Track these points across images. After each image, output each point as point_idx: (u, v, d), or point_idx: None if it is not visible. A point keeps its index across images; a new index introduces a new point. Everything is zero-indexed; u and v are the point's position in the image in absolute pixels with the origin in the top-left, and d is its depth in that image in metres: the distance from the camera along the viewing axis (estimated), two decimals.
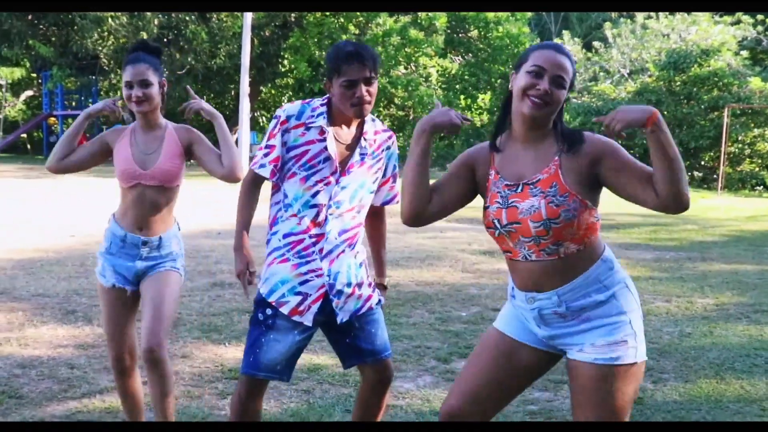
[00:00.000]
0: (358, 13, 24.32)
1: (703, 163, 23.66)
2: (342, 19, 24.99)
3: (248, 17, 19.87)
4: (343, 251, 2.94)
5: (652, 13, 26.77)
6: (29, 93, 32.88)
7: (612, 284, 2.38)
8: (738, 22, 26.31)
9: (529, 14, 27.88)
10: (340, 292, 2.92)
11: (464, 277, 7.64)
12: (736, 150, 22.90)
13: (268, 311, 2.90)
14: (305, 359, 4.79)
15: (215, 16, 23.55)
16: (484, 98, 25.98)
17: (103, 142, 3.38)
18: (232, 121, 22.82)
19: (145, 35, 22.65)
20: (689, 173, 23.29)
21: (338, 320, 2.95)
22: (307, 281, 2.89)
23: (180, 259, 3.42)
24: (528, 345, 2.51)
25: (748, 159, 23.31)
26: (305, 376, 4.53)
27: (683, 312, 6.35)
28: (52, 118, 29.90)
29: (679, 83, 23.58)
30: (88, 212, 12.19)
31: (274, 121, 2.93)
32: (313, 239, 2.89)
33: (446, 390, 4.37)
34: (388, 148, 3.03)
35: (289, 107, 2.92)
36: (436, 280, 7.42)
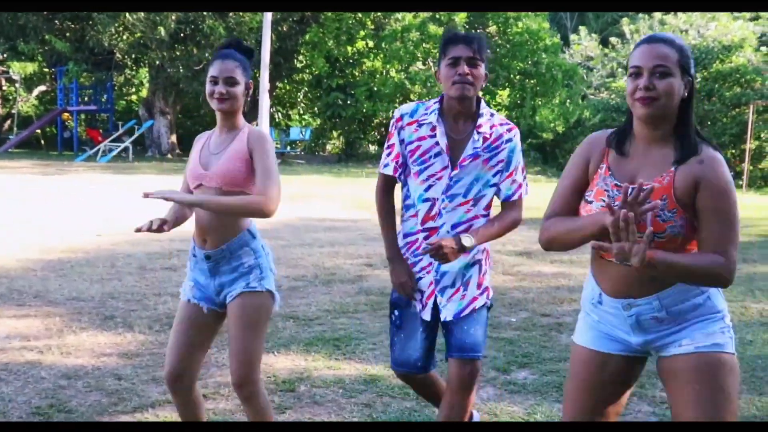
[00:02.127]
0: None
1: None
2: (360, 15, 24.77)
3: (268, 13, 19.67)
4: None
5: None
6: (42, 88, 32.77)
7: (707, 288, 2.30)
8: (757, 17, 26.00)
9: None
10: (443, 290, 3.01)
11: (506, 279, 7.44)
12: (757, 147, 22.61)
13: (396, 312, 3.12)
14: (360, 369, 4.62)
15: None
16: (503, 95, 25.70)
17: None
18: (250, 116, 22.63)
19: (162, 30, 22.50)
20: None
21: (441, 318, 3.04)
22: (420, 279, 3.04)
23: (256, 271, 3.03)
24: (616, 354, 2.42)
25: None
26: (363, 388, 4.34)
27: (739, 318, 6.13)
28: (66, 114, 29.76)
29: (700, 80, 23.30)
30: (113, 210, 12.03)
31: (391, 122, 3.08)
32: (426, 233, 2.99)
33: (512, 403, 4.19)
34: (509, 141, 2.99)
35: (404, 107, 3.07)
36: None
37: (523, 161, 3.07)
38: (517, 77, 25.46)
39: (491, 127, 2.98)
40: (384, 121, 25.86)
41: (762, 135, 22.34)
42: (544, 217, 2.48)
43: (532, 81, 25.24)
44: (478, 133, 2.95)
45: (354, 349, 5.04)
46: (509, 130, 3.02)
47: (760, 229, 12.03)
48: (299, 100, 31.47)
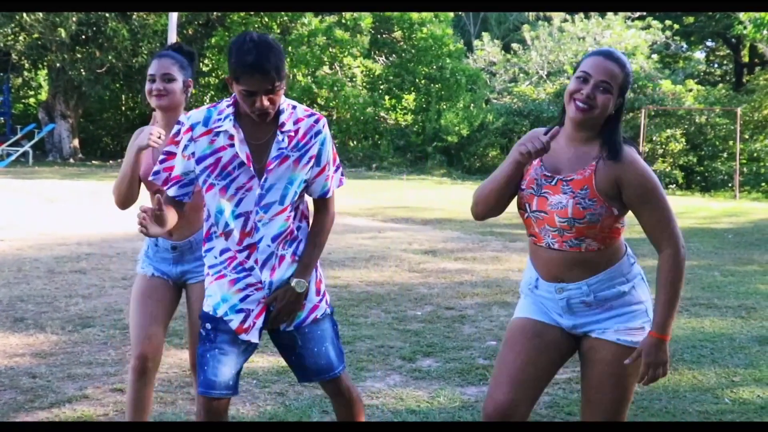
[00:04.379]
0: (282, 13, 24.17)
1: None
2: (266, 19, 24.79)
3: (173, 15, 19.50)
4: (282, 257, 2.72)
5: (568, 17, 27.51)
6: None
7: (632, 277, 2.57)
8: (648, 26, 27.29)
9: (451, 15, 28.21)
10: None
11: (412, 276, 7.73)
12: (650, 150, 23.75)
13: (207, 325, 2.72)
14: (273, 361, 4.79)
15: (136, 13, 23.00)
16: (408, 99, 26.20)
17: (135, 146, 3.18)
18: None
19: (63, 32, 21.97)
20: None
21: (282, 328, 2.76)
22: (247, 296, 2.70)
23: None
24: (553, 325, 2.63)
25: (660, 158, 24.20)
26: (276, 378, 4.54)
27: None
28: None
29: None
30: (14, 215, 11.77)
31: (176, 128, 2.71)
32: (246, 252, 2.69)
33: (417, 388, 4.45)
34: (318, 133, 2.70)
35: (193, 114, 2.69)
36: (385, 280, 7.49)
37: (333, 150, 2.80)
38: (422, 82, 25.97)
39: (296, 122, 2.68)
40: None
41: (654, 138, 23.46)
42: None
43: (437, 85, 25.78)
44: (282, 132, 2.64)
45: (267, 343, 5.15)
46: (316, 122, 2.71)
47: None
48: (206, 103, 31.16)
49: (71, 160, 25.70)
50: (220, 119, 2.65)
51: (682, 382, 4.65)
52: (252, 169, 2.63)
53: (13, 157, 24.12)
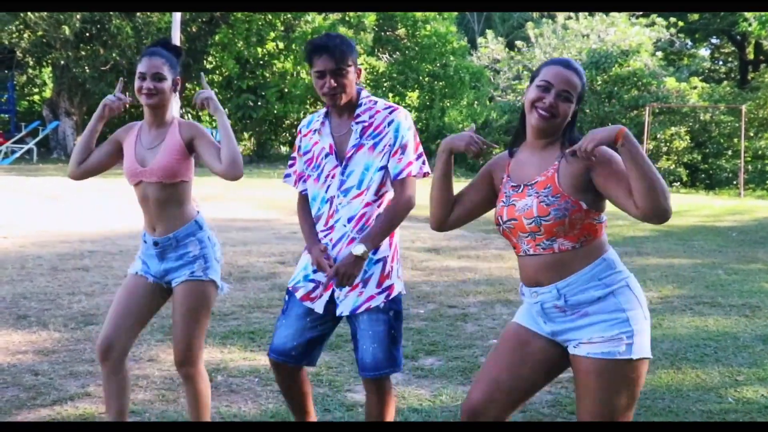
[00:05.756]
0: None
1: None
2: (270, 16, 24.78)
3: (177, 13, 19.50)
4: (353, 239, 2.97)
5: (572, 14, 27.45)
6: None
7: (611, 283, 2.47)
8: (653, 24, 27.21)
9: (455, 13, 28.19)
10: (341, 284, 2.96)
11: (415, 274, 7.73)
12: (654, 147, 23.70)
13: (285, 297, 3.11)
14: None
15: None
16: (412, 96, 26.19)
17: (115, 140, 3.32)
18: None
19: (67, 29, 21.99)
20: None
21: (337, 313, 3.00)
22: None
23: (201, 261, 3.21)
24: (542, 336, 2.60)
25: (665, 156, 24.15)
26: None
27: None
28: None
29: (600, 83, 24.27)
30: (18, 213, 11.79)
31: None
32: (328, 231, 3.02)
33: (419, 387, 4.45)
34: (391, 122, 2.98)
35: (304, 119, 3.21)
36: None
37: (415, 140, 3.03)
38: (426, 79, 25.96)
39: (372, 115, 2.99)
40: (295, 123, 25.93)
41: (658, 135, 23.42)
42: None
43: (440, 83, 25.77)
44: (357, 123, 2.98)
45: (269, 341, 5.13)
46: (391, 112, 3.00)
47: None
48: None
49: None
50: (318, 119, 3.09)
51: (686, 381, 4.63)
52: (335, 157, 3.00)
53: (17, 155, 24.17)
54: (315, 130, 3.08)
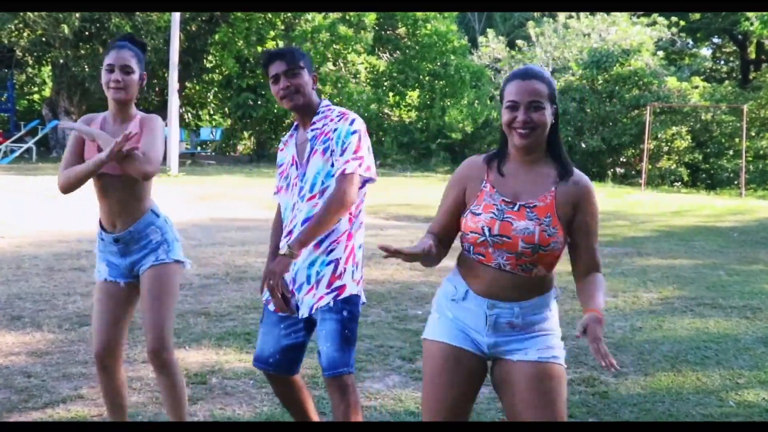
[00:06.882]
0: None
1: (624, 159, 24.38)
2: (270, 15, 24.72)
3: (177, 12, 19.45)
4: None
5: (573, 13, 27.39)
6: None
7: (553, 307, 2.62)
8: (654, 23, 27.15)
9: (456, 12, 28.14)
10: (300, 287, 3.05)
11: (413, 275, 7.67)
12: (655, 147, 23.65)
13: (263, 308, 3.20)
14: None
15: None
16: (412, 95, 26.14)
17: (79, 137, 3.26)
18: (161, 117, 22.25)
19: (66, 28, 21.93)
20: (611, 169, 24.02)
21: (299, 315, 3.07)
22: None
23: (164, 246, 3.28)
24: (469, 351, 2.57)
25: (666, 156, 24.10)
26: None
27: (631, 307, 6.54)
28: None
29: (601, 82, 24.21)
30: (15, 213, 11.74)
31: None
32: (287, 235, 3.11)
33: (416, 389, 4.39)
34: (336, 129, 3.05)
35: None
36: (386, 278, 7.44)
37: (357, 143, 3.03)
38: (427, 78, 25.91)
39: (326, 123, 3.09)
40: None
41: (659, 135, 23.35)
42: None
43: (441, 82, 25.71)
44: (312, 130, 3.09)
45: None
46: (340, 119, 3.06)
47: (655, 224, 12.67)
48: (209, 100, 31.12)
49: None
50: (288, 133, 3.25)
51: (686, 384, 4.58)
52: (296, 167, 3.12)
53: (16, 154, 24.12)
54: (284, 143, 3.24)
